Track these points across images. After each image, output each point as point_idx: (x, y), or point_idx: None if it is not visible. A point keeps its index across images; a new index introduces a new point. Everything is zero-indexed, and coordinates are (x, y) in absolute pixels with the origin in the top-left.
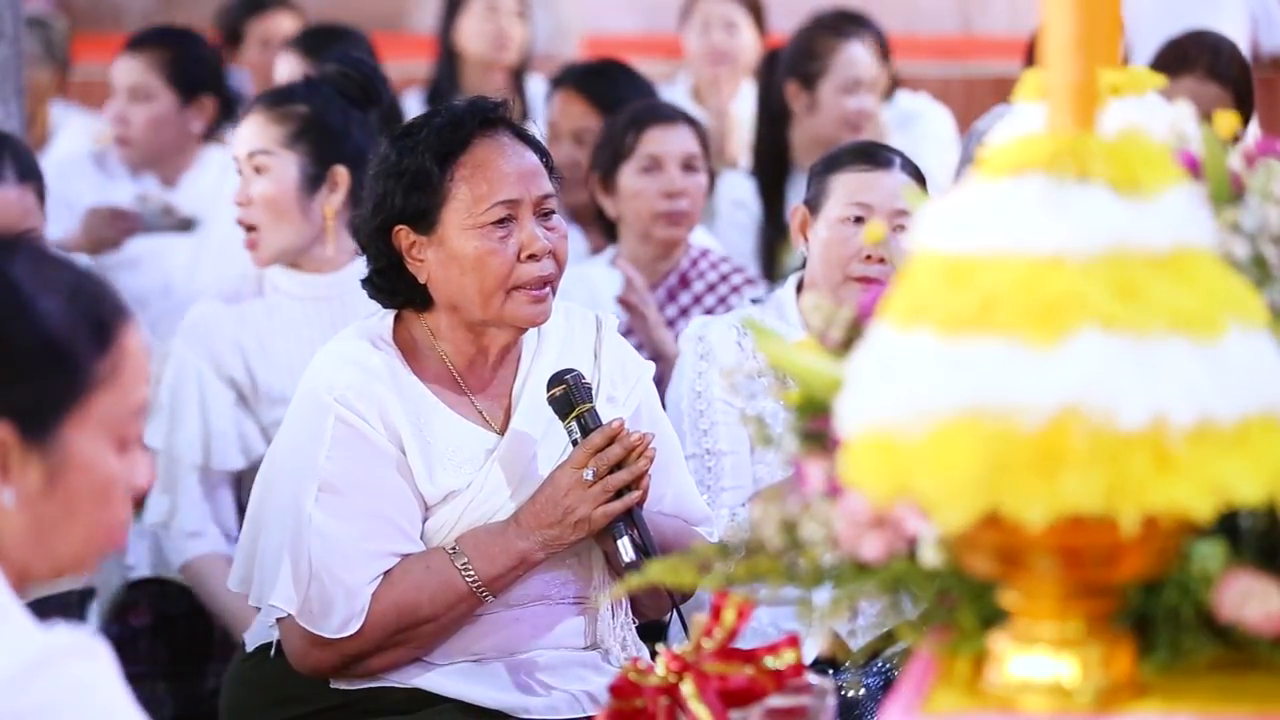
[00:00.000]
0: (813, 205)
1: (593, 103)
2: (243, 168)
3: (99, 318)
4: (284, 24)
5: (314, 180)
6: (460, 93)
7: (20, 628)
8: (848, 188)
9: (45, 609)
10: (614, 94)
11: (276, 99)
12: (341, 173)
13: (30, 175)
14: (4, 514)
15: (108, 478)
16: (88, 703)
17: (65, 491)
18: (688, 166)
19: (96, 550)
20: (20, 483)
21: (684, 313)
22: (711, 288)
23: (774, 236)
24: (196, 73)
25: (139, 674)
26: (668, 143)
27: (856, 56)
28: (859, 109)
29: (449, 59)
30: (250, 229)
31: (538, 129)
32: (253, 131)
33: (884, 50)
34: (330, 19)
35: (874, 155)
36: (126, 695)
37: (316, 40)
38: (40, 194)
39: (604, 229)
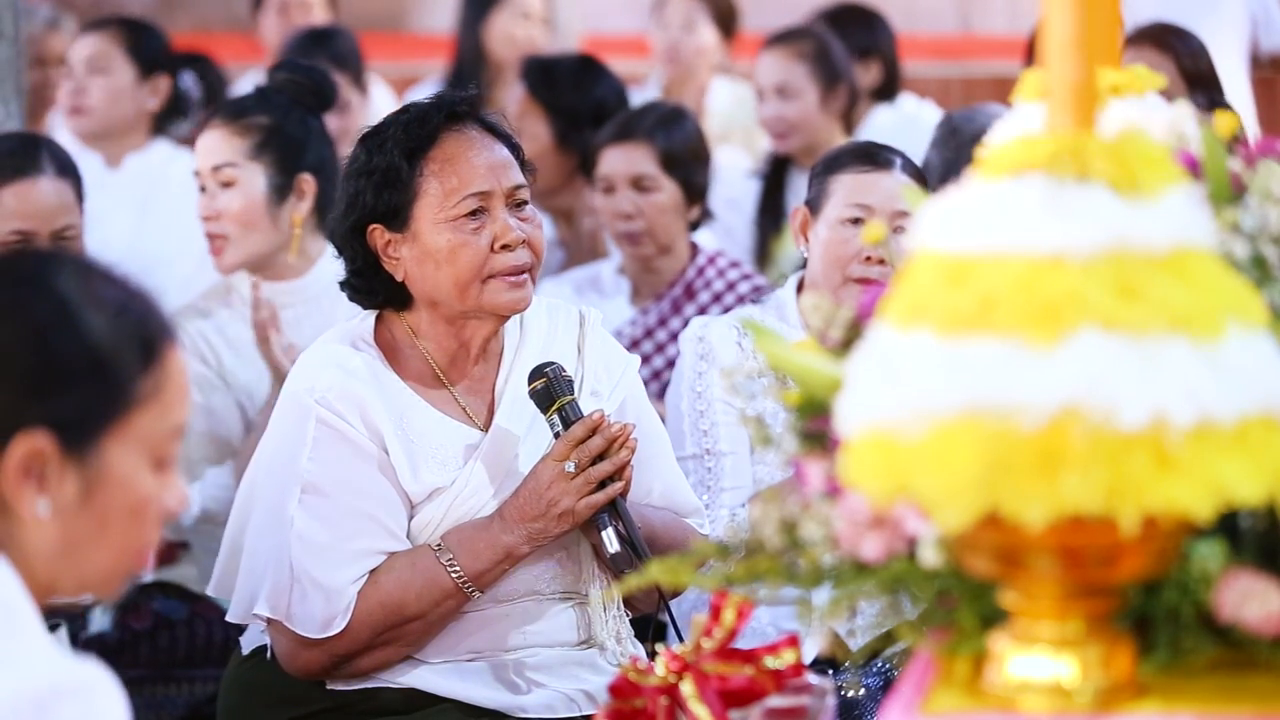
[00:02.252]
0: (813, 206)
1: (533, 96)
2: (206, 181)
3: (144, 335)
4: None
5: (281, 190)
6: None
7: (35, 651)
8: (848, 189)
9: (49, 613)
10: (549, 89)
11: (236, 111)
12: (308, 180)
13: (67, 171)
14: (37, 525)
15: (143, 496)
16: None
17: (100, 507)
18: (638, 186)
19: (124, 571)
20: (56, 494)
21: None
22: (717, 297)
23: (768, 235)
24: (154, 51)
25: (139, 678)
26: (617, 163)
27: (766, 66)
28: (774, 115)
29: (472, 57)
30: (216, 238)
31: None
32: (215, 144)
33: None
34: (330, 19)
35: (874, 156)
36: None
37: (306, 42)
38: (79, 192)
39: None
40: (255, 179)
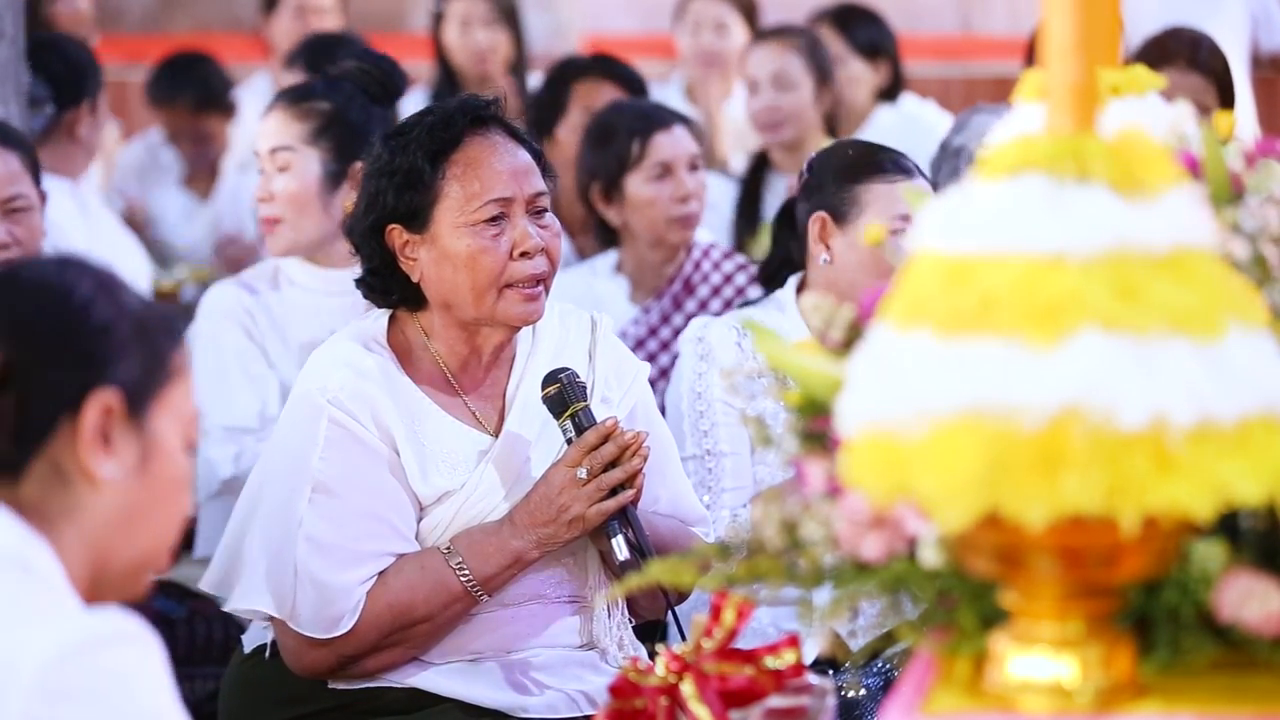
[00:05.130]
0: (838, 214)
1: (620, 86)
2: (264, 164)
3: (168, 315)
4: None
5: (335, 177)
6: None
7: (67, 610)
8: (885, 200)
9: None
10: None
11: (298, 95)
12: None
13: (15, 144)
14: (103, 490)
15: (183, 474)
16: (124, 691)
17: (154, 477)
18: (693, 167)
19: (164, 550)
20: (122, 457)
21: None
22: (716, 290)
23: (744, 237)
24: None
25: None
26: (674, 147)
27: (760, 57)
28: (768, 105)
29: (444, 66)
30: (269, 220)
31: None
32: (275, 128)
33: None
34: (343, 22)
35: (900, 165)
36: (168, 685)
37: (318, 50)
38: (28, 164)
39: (602, 237)
40: (310, 164)
